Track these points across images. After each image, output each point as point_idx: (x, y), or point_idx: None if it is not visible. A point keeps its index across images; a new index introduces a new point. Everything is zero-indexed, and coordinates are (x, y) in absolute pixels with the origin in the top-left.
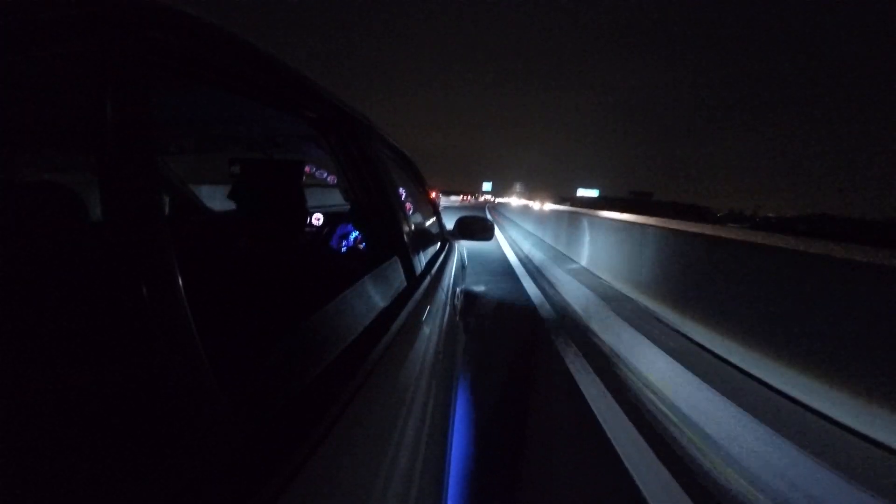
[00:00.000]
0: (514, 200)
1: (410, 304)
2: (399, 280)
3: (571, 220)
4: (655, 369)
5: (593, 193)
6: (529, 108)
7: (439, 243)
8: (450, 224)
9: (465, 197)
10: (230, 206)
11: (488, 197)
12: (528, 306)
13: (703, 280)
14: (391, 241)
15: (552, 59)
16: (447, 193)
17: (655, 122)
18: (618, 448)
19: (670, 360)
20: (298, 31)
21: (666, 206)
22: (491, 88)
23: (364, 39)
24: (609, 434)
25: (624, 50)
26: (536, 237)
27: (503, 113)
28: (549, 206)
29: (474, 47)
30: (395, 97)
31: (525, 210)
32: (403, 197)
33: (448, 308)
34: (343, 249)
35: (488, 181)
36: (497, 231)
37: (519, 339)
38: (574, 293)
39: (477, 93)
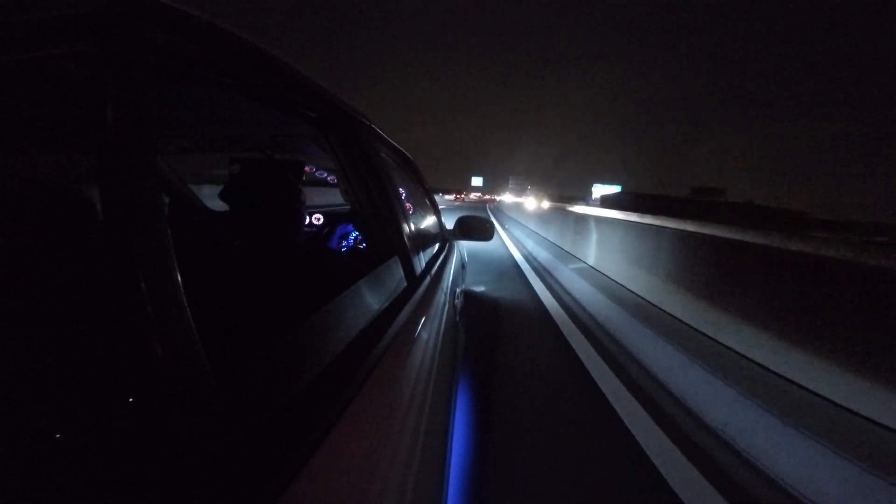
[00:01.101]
0: (508, 198)
1: (410, 304)
2: (399, 280)
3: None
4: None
5: (613, 190)
6: (528, 94)
7: (439, 243)
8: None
9: (460, 196)
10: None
11: (479, 194)
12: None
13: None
14: (391, 241)
15: (558, 36)
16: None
17: (712, 109)
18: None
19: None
20: (280, 16)
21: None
22: (480, 69)
23: (331, 19)
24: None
25: (647, 26)
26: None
27: (496, 98)
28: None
29: (462, 24)
30: (367, 83)
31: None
32: (403, 197)
33: (448, 308)
34: (343, 249)
35: (478, 175)
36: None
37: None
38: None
39: (463, 74)
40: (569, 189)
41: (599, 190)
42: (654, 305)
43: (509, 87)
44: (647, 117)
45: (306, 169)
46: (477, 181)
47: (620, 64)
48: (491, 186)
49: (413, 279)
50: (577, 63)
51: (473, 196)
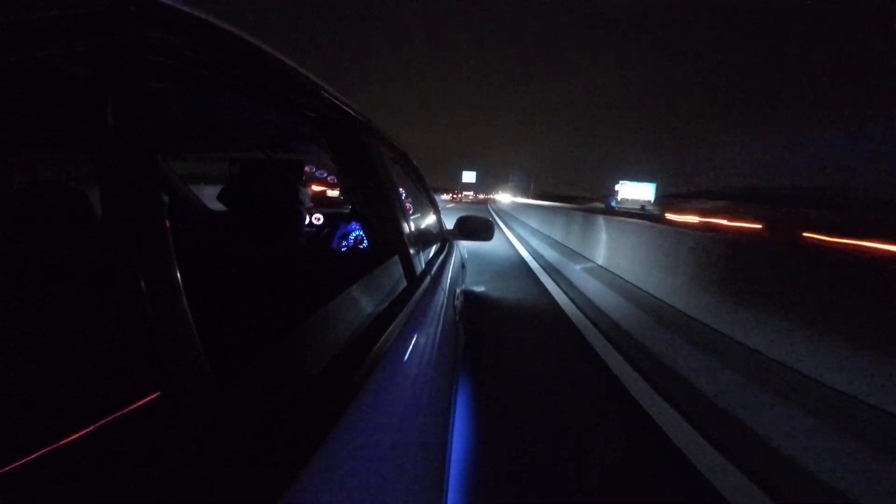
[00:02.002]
0: (505, 197)
1: (410, 304)
2: (399, 280)
3: None
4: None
5: (646, 190)
6: (531, 76)
7: (439, 243)
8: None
9: (457, 196)
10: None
11: (471, 193)
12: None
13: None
14: (391, 241)
15: (570, 13)
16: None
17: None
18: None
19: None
20: (276, 16)
21: None
22: (474, 50)
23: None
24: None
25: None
26: None
27: (492, 83)
28: None
29: (452, 12)
30: (355, 80)
31: None
32: (403, 196)
33: (448, 308)
34: (343, 249)
35: (470, 170)
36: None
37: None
38: None
39: (456, 54)
40: (576, 188)
41: (631, 189)
42: None
43: (508, 69)
44: (693, 96)
45: (306, 169)
46: (468, 177)
47: (654, 36)
48: (486, 183)
49: (413, 279)
50: (593, 36)
51: (467, 196)
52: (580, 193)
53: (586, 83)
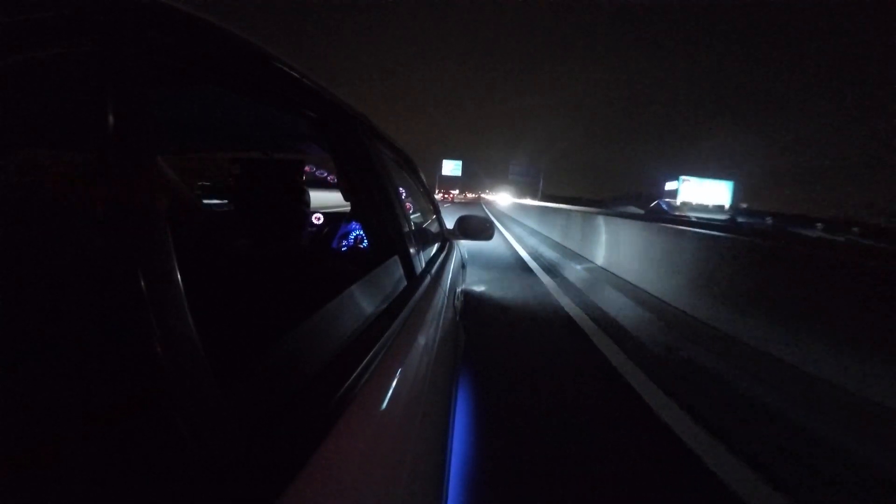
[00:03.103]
0: (504, 198)
1: (410, 304)
2: (399, 279)
3: None
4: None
5: (720, 191)
6: (537, 50)
7: (439, 243)
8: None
9: (449, 196)
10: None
11: (456, 192)
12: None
13: None
14: (391, 241)
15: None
16: None
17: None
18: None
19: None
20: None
21: None
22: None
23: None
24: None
25: None
26: None
27: (488, 56)
28: None
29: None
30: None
31: None
32: (403, 196)
33: (448, 308)
34: (343, 249)
35: (454, 159)
36: None
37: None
38: None
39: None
40: (578, 188)
41: (696, 188)
42: None
43: (510, 59)
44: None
45: (306, 168)
46: (450, 167)
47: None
48: (477, 179)
49: (413, 279)
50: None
51: (452, 193)
52: (581, 194)
53: (593, 76)
